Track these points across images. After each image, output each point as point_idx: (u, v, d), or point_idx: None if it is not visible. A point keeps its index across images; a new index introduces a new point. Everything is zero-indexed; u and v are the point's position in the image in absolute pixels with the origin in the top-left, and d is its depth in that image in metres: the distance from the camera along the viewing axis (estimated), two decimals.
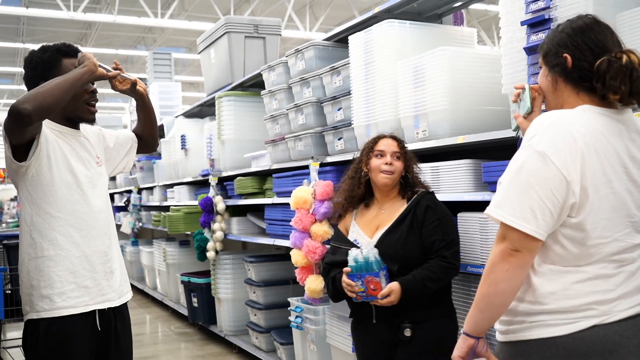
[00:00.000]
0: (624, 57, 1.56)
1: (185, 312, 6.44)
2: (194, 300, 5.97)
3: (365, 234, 2.69)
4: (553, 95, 1.69)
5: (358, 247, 2.57)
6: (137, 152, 2.63)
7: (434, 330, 2.50)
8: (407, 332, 2.46)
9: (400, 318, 2.50)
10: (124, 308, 2.37)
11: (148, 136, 2.61)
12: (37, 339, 2.13)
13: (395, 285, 2.45)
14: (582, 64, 1.61)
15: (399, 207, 2.66)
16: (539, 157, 1.51)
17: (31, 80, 2.25)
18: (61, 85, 2.03)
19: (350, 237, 2.73)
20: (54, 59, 2.24)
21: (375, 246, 2.55)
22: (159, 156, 7.71)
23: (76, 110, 2.27)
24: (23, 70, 2.31)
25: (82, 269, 2.19)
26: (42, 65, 2.24)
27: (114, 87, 2.34)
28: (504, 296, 1.56)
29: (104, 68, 2.24)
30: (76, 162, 2.25)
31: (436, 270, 2.46)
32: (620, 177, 1.56)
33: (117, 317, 2.31)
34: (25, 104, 1.94)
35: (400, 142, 2.75)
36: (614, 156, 1.56)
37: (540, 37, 2.28)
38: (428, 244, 2.52)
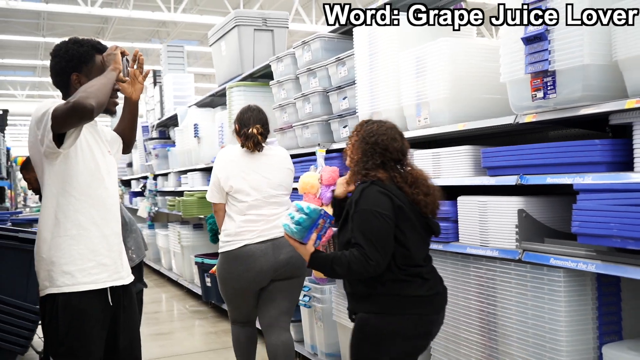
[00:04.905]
0: (251, 130, 3.24)
1: (199, 291, 6.48)
2: (207, 280, 5.99)
3: None
4: None
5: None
6: None
7: (359, 322, 2.35)
8: (350, 319, 2.39)
9: (349, 304, 2.45)
10: (131, 286, 2.43)
11: (128, 137, 2.59)
12: (56, 312, 2.17)
13: (309, 249, 2.34)
14: (236, 130, 3.35)
15: None
16: (213, 171, 3.30)
17: (64, 70, 2.29)
18: (106, 84, 2.15)
19: None
20: (90, 54, 2.32)
21: None
22: (173, 144, 7.71)
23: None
24: (52, 60, 2.32)
25: (101, 248, 2.25)
26: (78, 57, 2.30)
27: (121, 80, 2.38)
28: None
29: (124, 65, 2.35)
30: (96, 150, 2.31)
31: (348, 257, 2.22)
32: (255, 174, 3.25)
33: (125, 295, 2.36)
34: (89, 99, 2.01)
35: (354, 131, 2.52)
36: (248, 165, 3.26)
37: (538, 27, 2.25)
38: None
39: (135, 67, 2.43)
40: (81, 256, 2.19)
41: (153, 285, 8.02)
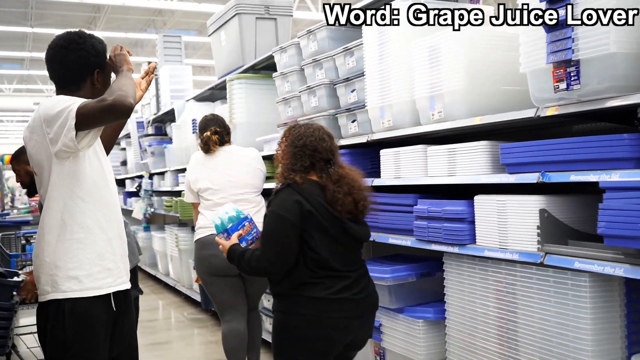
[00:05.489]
0: (205, 133, 3.91)
1: (198, 298, 6.49)
2: None
3: None
4: None
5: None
6: None
7: (274, 319, 2.63)
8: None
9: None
10: (130, 290, 2.48)
11: (108, 144, 2.60)
12: (62, 318, 2.19)
13: (232, 240, 2.72)
14: (199, 133, 4.05)
15: None
16: (185, 174, 4.05)
17: (90, 65, 2.35)
18: (133, 85, 2.23)
19: None
20: (106, 53, 2.43)
21: None
22: (170, 141, 7.72)
23: None
24: (72, 52, 2.32)
25: (106, 252, 2.30)
26: (103, 53, 2.40)
27: None
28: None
29: None
30: (99, 150, 2.37)
31: (251, 254, 2.59)
32: (219, 175, 3.84)
33: (125, 299, 2.40)
34: (129, 98, 2.11)
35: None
36: (214, 167, 3.88)
37: (560, 13, 2.23)
38: None
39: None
40: (89, 261, 2.24)
41: (149, 291, 8.04)
